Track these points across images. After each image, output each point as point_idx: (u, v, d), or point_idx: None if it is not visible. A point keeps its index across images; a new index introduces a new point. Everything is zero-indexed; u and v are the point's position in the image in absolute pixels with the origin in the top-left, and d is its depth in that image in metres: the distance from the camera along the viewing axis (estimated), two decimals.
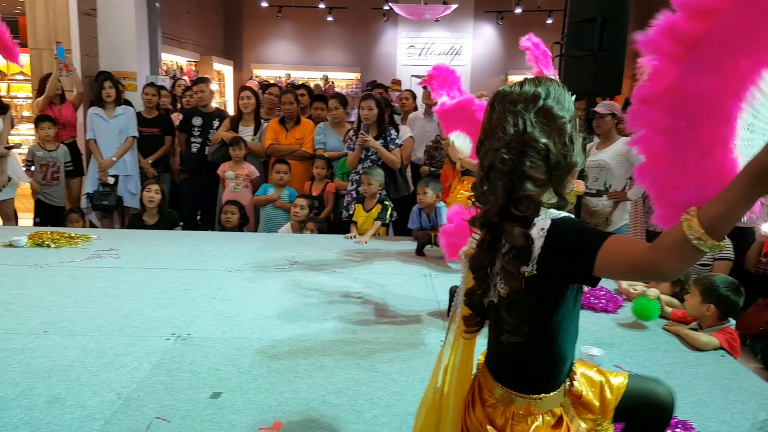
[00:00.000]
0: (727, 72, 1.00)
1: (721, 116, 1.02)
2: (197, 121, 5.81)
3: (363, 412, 2.13)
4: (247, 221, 5.30)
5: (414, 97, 6.69)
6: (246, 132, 5.71)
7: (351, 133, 5.10)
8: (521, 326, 1.19)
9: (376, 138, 4.85)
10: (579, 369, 1.41)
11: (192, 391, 2.23)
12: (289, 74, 14.27)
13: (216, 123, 5.81)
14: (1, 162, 5.19)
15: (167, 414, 2.07)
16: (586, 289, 1.30)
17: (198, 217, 6.01)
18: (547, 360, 1.23)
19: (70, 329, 2.77)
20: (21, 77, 8.83)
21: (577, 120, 1.27)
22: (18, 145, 5.79)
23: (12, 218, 5.47)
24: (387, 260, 4.14)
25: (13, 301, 3.11)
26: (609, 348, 2.65)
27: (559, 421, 1.27)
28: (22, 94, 8.77)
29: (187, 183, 6.00)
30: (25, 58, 8.01)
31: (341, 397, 2.23)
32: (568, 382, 1.31)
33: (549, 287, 1.18)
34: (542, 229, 1.15)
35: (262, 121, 5.82)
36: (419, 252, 4.31)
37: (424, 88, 6.13)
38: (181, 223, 5.37)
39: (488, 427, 1.26)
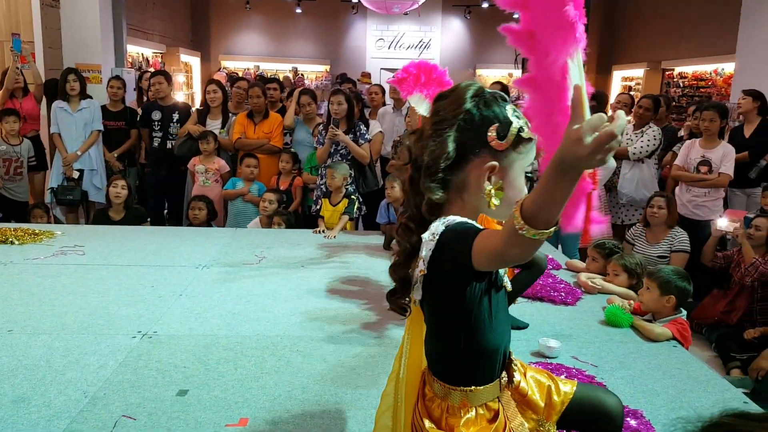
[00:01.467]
0: (554, 61, 1.06)
1: (563, 106, 1.07)
2: (156, 115, 5.74)
3: (328, 407, 2.18)
4: (215, 216, 5.30)
5: (383, 91, 6.74)
6: (214, 125, 5.68)
7: (321, 127, 5.13)
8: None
9: (346, 133, 4.89)
10: (529, 372, 1.48)
11: (158, 389, 2.26)
12: (258, 66, 14.17)
13: (176, 116, 5.74)
14: None
15: (134, 412, 2.09)
16: (506, 286, 1.36)
17: (165, 212, 5.97)
18: (472, 353, 1.29)
19: (34, 328, 2.76)
20: None
21: (483, 126, 1.28)
22: None
23: None
24: (355, 254, 4.19)
25: None
26: (567, 340, 2.75)
27: (496, 416, 1.33)
28: None
29: (150, 177, 5.94)
30: None
31: (307, 392, 2.28)
32: (504, 378, 1.37)
33: (446, 286, 1.26)
34: (433, 234, 1.22)
35: (230, 114, 5.80)
36: (387, 246, 4.37)
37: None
38: (149, 219, 5.34)
39: (425, 420, 1.32)
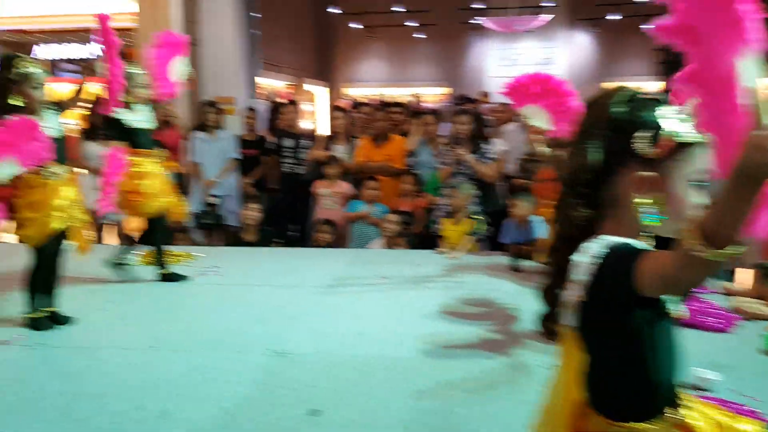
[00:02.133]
0: (720, 59, 0.95)
1: (733, 106, 0.95)
2: (287, 142, 6.01)
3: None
4: (339, 238, 5.39)
5: (506, 109, 6.59)
6: (339, 150, 5.83)
7: (444, 148, 5.10)
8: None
9: (470, 152, 4.82)
10: (699, 407, 1.31)
11: (290, 408, 2.27)
12: (381, 93, 14.52)
13: (305, 143, 5.98)
14: None
15: (267, 429, 2.12)
16: (674, 312, 1.20)
17: (293, 234, 6.19)
18: (636, 386, 1.17)
19: (175, 344, 2.91)
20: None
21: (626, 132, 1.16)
22: None
23: (124, 237, 5.83)
24: (479, 275, 4.07)
25: (125, 317, 3.31)
26: (723, 370, 2.46)
27: None
28: None
29: (281, 202, 6.20)
30: None
31: (437, 416, 2.21)
32: (672, 414, 1.21)
33: (606, 312, 1.14)
34: (593, 256, 1.11)
35: (354, 139, 5.93)
36: (513, 267, 4.21)
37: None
38: (278, 240, 5.55)
39: None
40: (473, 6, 13.09)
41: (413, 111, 6.86)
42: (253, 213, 5.22)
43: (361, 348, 2.84)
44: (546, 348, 1.50)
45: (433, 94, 14.77)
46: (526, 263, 4.21)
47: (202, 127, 6.01)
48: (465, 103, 8.15)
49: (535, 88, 3.16)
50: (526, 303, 3.44)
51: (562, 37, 14.17)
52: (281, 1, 11.66)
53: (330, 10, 12.12)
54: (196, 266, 4.31)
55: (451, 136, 4.97)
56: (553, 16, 11.43)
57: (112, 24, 3.40)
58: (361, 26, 14.22)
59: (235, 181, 6.15)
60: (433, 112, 5.83)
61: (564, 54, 14.21)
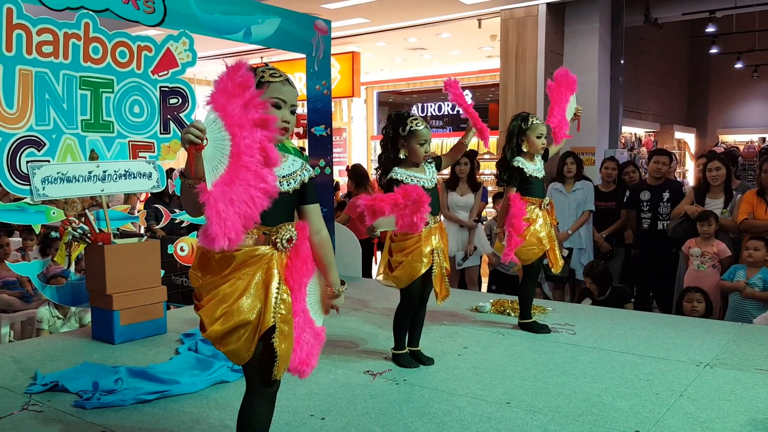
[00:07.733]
0: None
1: None
2: (645, 195, 5.62)
3: None
4: (711, 309, 4.65)
5: None
6: (714, 205, 5.13)
7: None
8: None
9: None
10: None
11: None
12: (764, 138, 12.59)
13: (666, 195, 5.49)
14: (470, 233, 5.82)
15: None
16: None
17: (650, 295, 5.64)
18: None
19: (530, 404, 2.76)
20: (488, 156, 10.02)
21: None
22: (483, 219, 6.39)
23: (476, 284, 6.02)
24: None
25: (479, 366, 3.30)
26: None
27: None
28: (487, 171, 9.90)
29: (638, 259, 5.73)
30: (493, 139, 9.15)
31: None
32: None
33: None
34: None
35: (734, 192, 5.16)
36: None
37: None
38: (632, 300, 5.10)
39: None
40: None
41: None
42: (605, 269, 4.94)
43: None
44: None
45: None
46: None
47: (560, 177, 5.92)
48: None
49: None
50: None
51: None
52: (651, 46, 11.06)
53: (712, 51, 11.04)
54: (548, 321, 4.14)
55: None
56: None
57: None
58: (742, 66, 12.58)
59: (590, 235, 5.88)
60: None
61: None
